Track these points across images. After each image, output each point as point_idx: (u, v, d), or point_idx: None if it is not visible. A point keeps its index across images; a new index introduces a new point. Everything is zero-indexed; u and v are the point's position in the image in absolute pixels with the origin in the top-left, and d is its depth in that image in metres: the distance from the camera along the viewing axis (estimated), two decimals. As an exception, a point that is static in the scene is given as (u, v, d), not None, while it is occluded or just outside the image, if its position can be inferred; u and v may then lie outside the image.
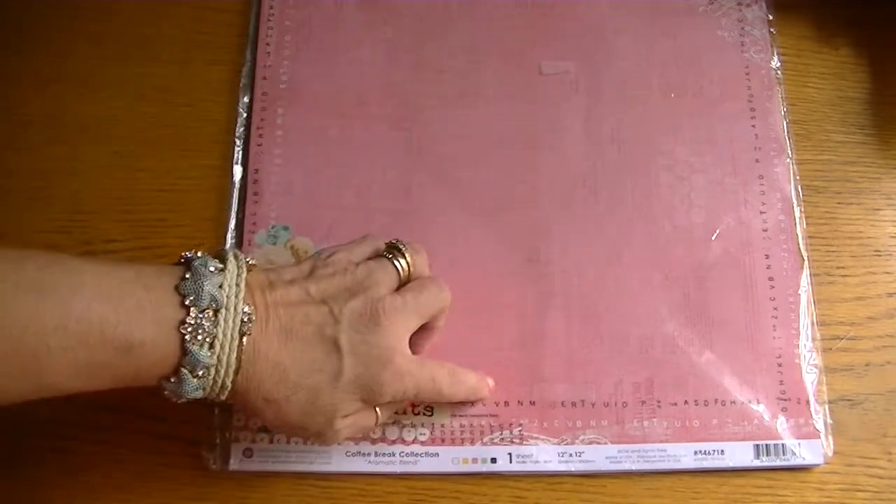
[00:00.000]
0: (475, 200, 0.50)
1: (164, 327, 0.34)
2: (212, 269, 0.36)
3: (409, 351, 0.40)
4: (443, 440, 0.46)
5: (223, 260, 0.37)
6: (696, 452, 0.46)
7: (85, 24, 0.55)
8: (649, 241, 0.50)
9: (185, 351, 0.34)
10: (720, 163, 0.51)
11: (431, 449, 0.46)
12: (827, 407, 0.47)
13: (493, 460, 0.45)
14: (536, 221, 0.50)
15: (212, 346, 0.35)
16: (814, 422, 0.46)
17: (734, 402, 0.46)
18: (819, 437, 0.46)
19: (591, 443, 0.46)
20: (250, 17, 0.55)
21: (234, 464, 0.45)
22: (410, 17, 0.54)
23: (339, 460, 0.45)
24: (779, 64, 0.54)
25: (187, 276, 0.35)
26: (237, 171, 0.51)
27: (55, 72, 0.53)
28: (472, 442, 0.46)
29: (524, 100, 0.53)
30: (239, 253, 0.38)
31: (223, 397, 0.37)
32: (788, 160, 0.52)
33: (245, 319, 0.36)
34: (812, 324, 0.48)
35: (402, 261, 0.42)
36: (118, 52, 0.54)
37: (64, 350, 0.33)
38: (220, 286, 0.35)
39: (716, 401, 0.46)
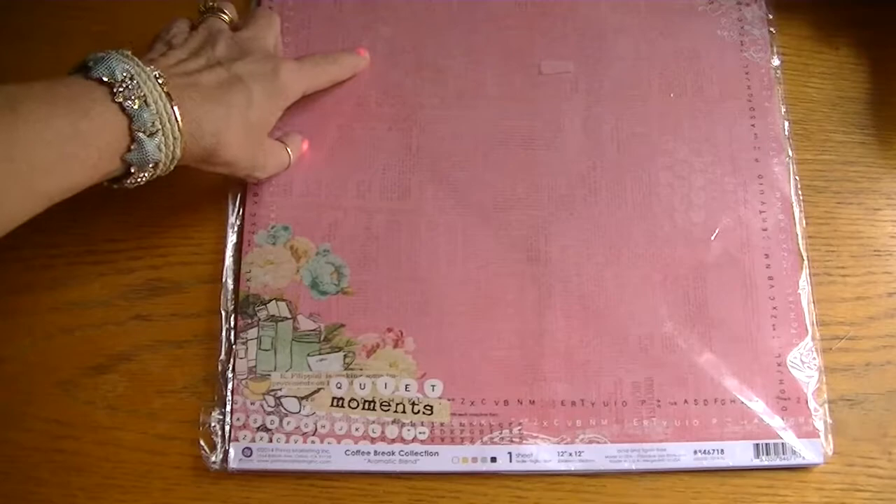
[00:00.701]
0: (475, 200, 0.50)
1: (101, 103, 0.38)
2: (102, 55, 0.39)
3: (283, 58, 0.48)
4: (442, 439, 0.46)
5: (106, 52, 0.40)
6: (695, 452, 0.46)
7: (85, 24, 0.55)
8: (649, 240, 0.50)
9: (129, 115, 0.38)
10: (720, 162, 0.51)
11: (431, 448, 0.46)
12: (827, 406, 0.47)
13: (493, 459, 0.45)
14: (536, 221, 0.50)
15: (146, 103, 0.39)
16: (813, 421, 0.46)
17: (734, 402, 0.46)
18: (819, 437, 0.46)
19: (590, 442, 0.46)
20: (250, 18, 0.55)
21: (234, 463, 0.45)
22: (410, 18, 0.54)
23: (339, 459, 0.45)
24: (778, 63, 0.54)
25: (90, 64, 0.39)
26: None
27: (55, 72, 0.53)
28: (472, 441, 0.46)
29: (524, 99, 0.53)
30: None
31: (178, 153, 0.40)
32: (788, 160, 0.52)
33: (156, 75, 0.40)
34: (812, 324, 0.48)
35: (224, 14, 0.48)
36: (118, 53, 0.54)
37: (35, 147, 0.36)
38: (121, 61, 0.39)
39: (715, 400, 0.46)
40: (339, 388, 0.47)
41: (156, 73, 0.40)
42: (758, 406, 0.46)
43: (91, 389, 0.47)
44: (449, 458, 0.45)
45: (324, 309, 0.48)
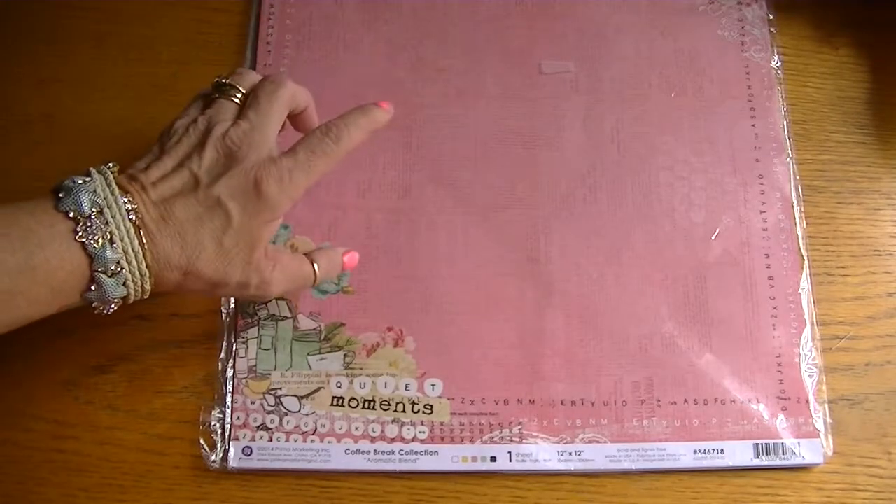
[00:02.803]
0: (475, 199, 0.50)
1: (60, 240, 0.36)
2: (79, 181, 0.37)
3: (281, 156, 0.41)
4: (442, 438, 0.46)
5: (87, 173, 0.38)
6: (695, 451, 0.46)
7: (85, 24, 0.55)
8: (649, 240, 0.50)
9: (90, 255, 0.36)
10: (720, 162, 0.51)
11: (431, 447, 0.46)
12: (827, 406, 0.47)
13: (493, 459, 0.45)
14: (536, 220, 0.50)
15: (111, 241, 0.36)
16: (813, 421, 0.46)
17: (734, 402, 0.46)
18: (819, 437, 0.46)
19: (590, 442, 0.46)
20: (250, 17, 0.55)
21: (234, 462, 0.45)
22: (410, 17, 0.54)
23: (339, 458, 0.45)
24: (779, 63, 0.54)
25: (61, 195, 0.37)
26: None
27: (55, 72, 0.54)
28: (472, 440, 0.46)
29: (524, 99, 0.53)
30: (98, 167, 0.40)
31: (147, 287, 0.38)
32: (788, 160, 0.51)
33: (129, 209, 0.37)
34: (812, 323, 0.48)
35: (237, 95, 0.42)
36: (118, 52, 0.54)
37: None
38: (94, 191, 0.37)
39: (715, 400, 0.46)
40: (339, 387, 0.47)
41: (128, 205, 0.37)
42: (758, 406, 0.46)
43: (91, 389, 0.47)
44: (449, 458, 0.45)
45: (324, 308, 0.48)
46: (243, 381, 0.47)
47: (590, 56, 0.54)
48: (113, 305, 0.39)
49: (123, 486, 0.45)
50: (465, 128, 0.52)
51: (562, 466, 0.45)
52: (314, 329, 0.48)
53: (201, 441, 0.45)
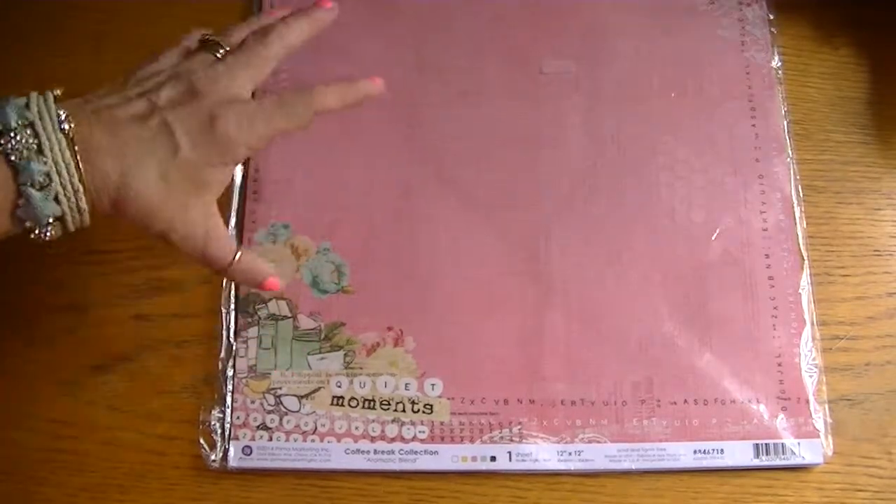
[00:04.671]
0: (476, 199, 0.50)
1: None
2: (11, 98, 0.36)
3: (247, 99, 0.40)
4: (442, 438, 0.46)
5: (23, 95, 0.37)
6: (695, 451, 0.46)
7: (85, 24, 0.55)
8: (649, 240, 0.50)
9: (14, 167, 0.34)
10: (720, 162, 0.51)
11: (431, 447, 0.46)
12: (827, 406, 0.47)
13: (493, 459, 0.45)
14: (537, 220, 0.50)
15: (40, 151, 0.35)
16: (813, 421, 0.46)
17: (734, 402, 0.46)
18: (819, 437, 0.46)
19: (590, 441, 0.46)
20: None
21: (234, 462, 0.45)
22: (411, 17, 0.55)
23: (339, 458, 0.45)
24: (779, 63, 0.54)
25: None
26: (237, 169, 0.51)
27: (55, 72, 0.54)
28: (472, 440, 0.46)
29: (525, 99, 0.53)
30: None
31: (83, 205, 0.36)
32: (788, 160, 0.51)
33: (61, 119, 0.36)
34: (812, 323, 0.48)
35: (220, 50, 0.41)
36: (118, 52, 0.54)
37: None
38: (25, 105, 0.35)
39: (715, 400, 0.46)
40: (339, 386, 0.47)
41: (62, 117, 0.36)
42: (758, 406, 0.46)
43: (91, 389, 0.47)
44: (449, 458, 0.45)
45: (324, 307, 0.48)
46: (243, 380, 0.47)
47: (590, 56, 0.54)
48: (50, 229, 0.36)
49: (123, 486, 0.45)
50: (466, 128, 0.52)
51: (562, 466, 0.45)
52: (314, 328, 0.48)
53: (201, 441, 0.46)
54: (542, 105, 0.53)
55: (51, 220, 0.36)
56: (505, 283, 0.49)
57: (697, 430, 0.46)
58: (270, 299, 0.48)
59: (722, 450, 0.46)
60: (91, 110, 0.37)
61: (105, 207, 0.37)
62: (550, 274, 0.49)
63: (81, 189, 0.36)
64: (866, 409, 0.47)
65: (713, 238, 0.50)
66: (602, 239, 0.50)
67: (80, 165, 0.36)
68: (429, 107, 0.53)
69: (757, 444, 0.46)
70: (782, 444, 0.46)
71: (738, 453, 0.45)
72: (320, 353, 0.47)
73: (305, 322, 0.48)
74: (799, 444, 0.46)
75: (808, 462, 0.45)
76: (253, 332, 0.48)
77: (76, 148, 0.36)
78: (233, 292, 0.48)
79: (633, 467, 0.45)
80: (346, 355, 0.47)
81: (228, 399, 0.46)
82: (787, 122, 0.52)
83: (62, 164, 0.35)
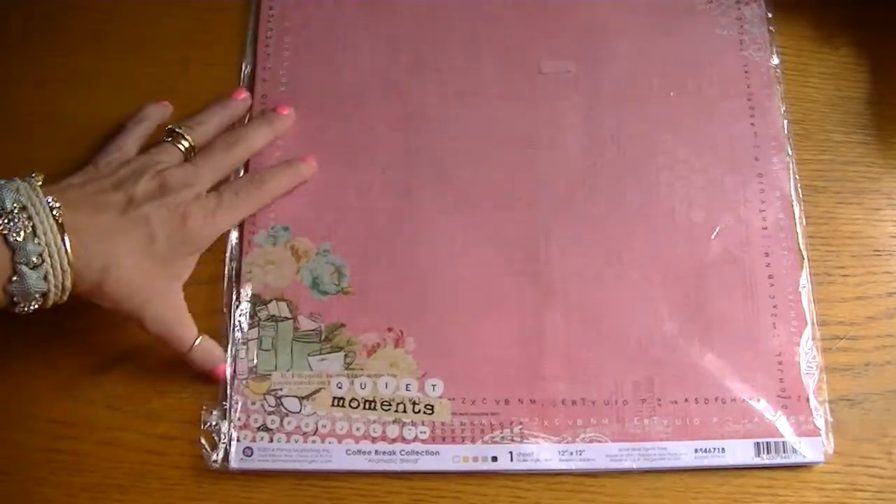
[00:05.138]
0: (475, 200, 0.50)
1: None
2: (1, 182, 0.39)
3: (209, 195, 0.46)
4: (443, 438, 0.46)
5: (10, 180, 0.40)
6: (696, 450, 0.46)
7: (85, 24, 0.55)
8: (649, 240, 0.50)
9: (12, 247, 0.38)
10: (720, 161, 0.51)
11: (432, 447, 0.46)
12: (827, 406, 0.47)
13: (494, 459, 0.45)
14: (536, 220, 0.50)
15: (34, 234, 0.39)
16: (814, 419, 0.46)
17: (734, 400, 0.46)
18: (819, 435, 0.46)
19: (591, 441, 0.46)
20: (250, 18, 0.55)
21: (235, 463, 0.45)
22: (410, 17, 0.55)
23: (340, 459, 0.45)
24: (778, 63, 0.54)
25: None
26: (238, 172, 0.51)
27: (55, 72, 0.54)
28: (473, 440, 0.46)
29: (524, 99, 0.53)
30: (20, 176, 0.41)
31: (67, 284, 0.40)
32: (788, 159, 0.52)
33: (52, 206, 0.40)
34: (812, 323, 0.48)
35: (184, 143, 0.47)
36: (118, 52, 0.54)
37: None
38: (17, 190, 0.39)
39: (716, 399, 0.46)
40: (340, 387, 0.47)
41: (52, 204, 0.40)
42: (758, 405, 0.46)
43: (91, 389, 0.47)
44: (450, 458, 0.45)
45: (324, 309, 0.48)
46: (244, 381, 0.47)
47: (589, 56, 0.54)
48: (34, 303, 0.40)
49: (123, 486, 0.45)
50: (464, 128, 0.52)
51: (563, 466, 0.45)
52: (314, 330, 0.48)
53: (202, 441, 0.45)
54: (541, 105, 0.53)
55: (37, 296, 0.40)
56: (505, 284, 0.49)
57: (698, 429, 0.46)
58: (271, 301, 0.48)
59: (723, 448, 0.46)
60: (74, 198, 0.41)
61: (84, 288, 0.41)
62: (550, 274, 0.49)
63: (69, 270, 0.40)
64: (866, 409, 0.47)
65: (713, 237, 0.50)
66: (602, 239, 0.50)
67: (69, 250, 0.39)
68: (427, 107, 0.53)
69: (758, 443, 0.46)
70: (783, 442, 0.46)
71: (739, 452, 0.45)
72: (321, 354, 0.47)
73: (306, 323, 0.48)
74: (800, 441, 0.46)
75: (810, 460, 0.45)
76: (253, 333, 0.48)
77: (64, 231, 0.39)
78: (234, 294, 0.48)
79: (634, 467, 0.45)
80: (346, 356, 0.47)
81: (229, 400, 0.46)
82: (787, 122, 0.52)
83: (54, 247, 0.39)
